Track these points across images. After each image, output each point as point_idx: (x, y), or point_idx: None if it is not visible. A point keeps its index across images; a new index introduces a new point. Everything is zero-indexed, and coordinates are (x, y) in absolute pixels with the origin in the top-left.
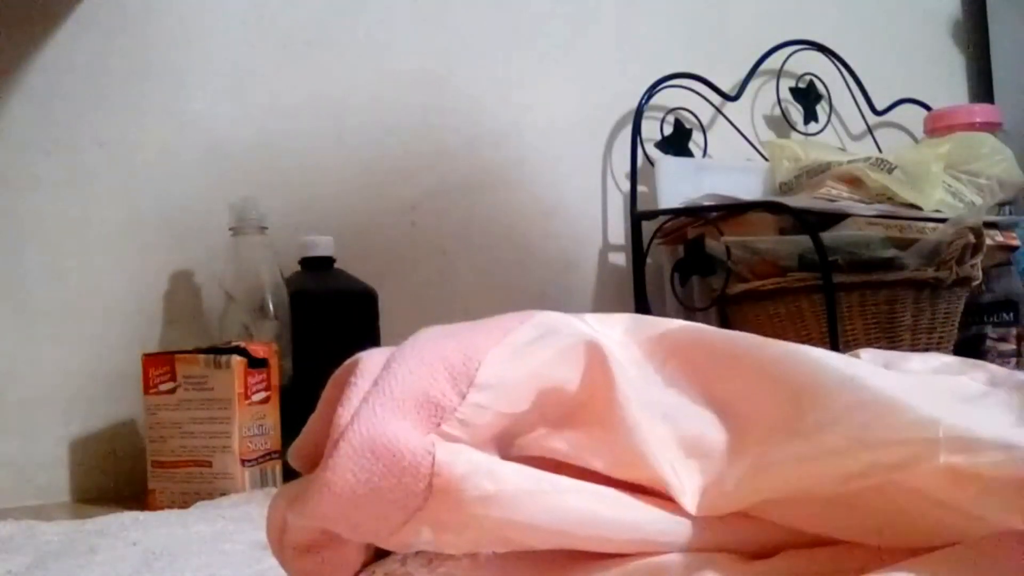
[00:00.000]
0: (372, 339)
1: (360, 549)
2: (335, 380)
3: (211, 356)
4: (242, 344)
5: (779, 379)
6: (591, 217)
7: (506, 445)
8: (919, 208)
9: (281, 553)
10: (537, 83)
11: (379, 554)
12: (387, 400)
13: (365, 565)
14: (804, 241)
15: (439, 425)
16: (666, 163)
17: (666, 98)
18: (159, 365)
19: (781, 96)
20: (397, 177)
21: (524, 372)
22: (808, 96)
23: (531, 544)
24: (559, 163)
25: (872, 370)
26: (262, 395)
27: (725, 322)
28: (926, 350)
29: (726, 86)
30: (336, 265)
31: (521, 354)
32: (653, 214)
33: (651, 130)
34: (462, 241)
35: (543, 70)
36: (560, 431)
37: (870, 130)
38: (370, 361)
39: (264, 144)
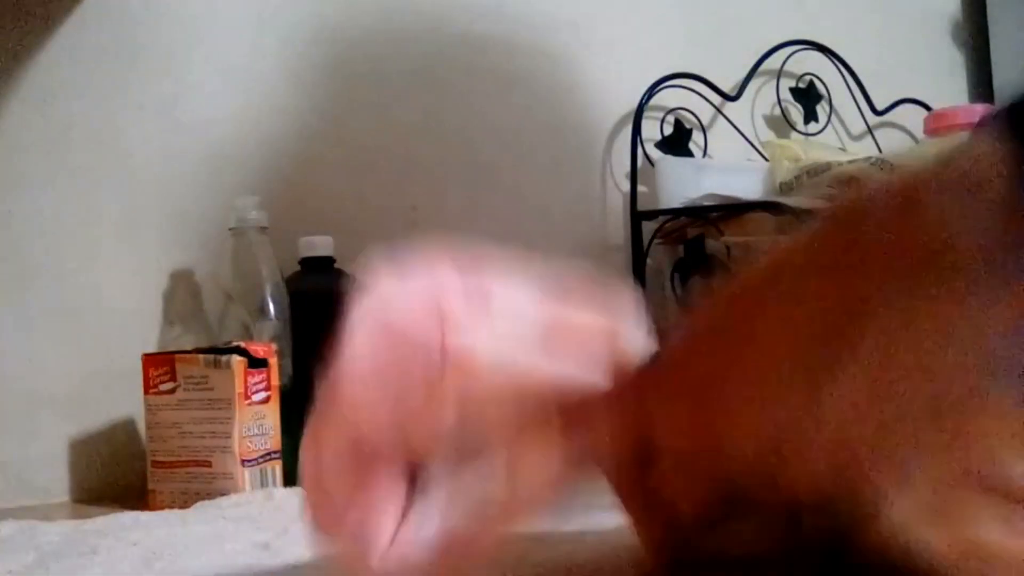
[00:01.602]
0: None
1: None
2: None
3: (211, 356)
4: (242, 344)
5: None
6: (591, 217)
7: None
8: None
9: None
10: (537, 82)
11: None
12: (399, 288)
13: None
14: None
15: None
16: (666, 163)
17: (666, 98)
18: (159, 365)
19: (781, 96)
20: (397, 177)
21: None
22: (808, 96)
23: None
24: (559, 163)
25: None
26: (262, 395)
27: None
28: None
29: (726, 86)
30: (336, 265)
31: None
32: (653, 214)
33: (651, 130)
34: (462, 241)
35: (543, 69)
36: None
37: (870, 130)
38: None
39: (264, 144)
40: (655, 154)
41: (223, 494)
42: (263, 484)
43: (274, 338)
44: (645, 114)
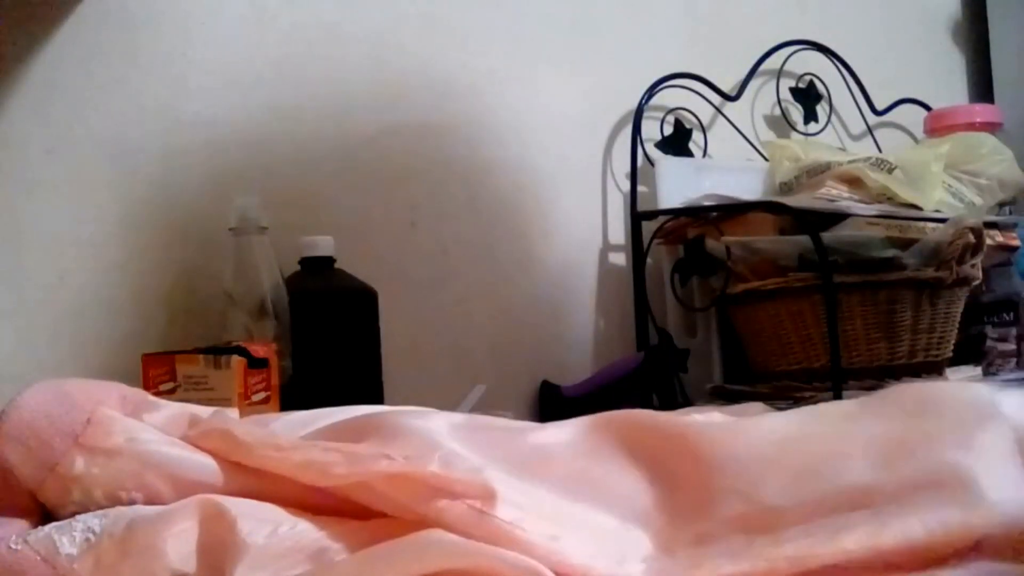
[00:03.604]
0: (372, 339)
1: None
2: None
3: (211, 356)
4: (242, 344)
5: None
6: (591, 217)
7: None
8: (919, 208)
9: None
10: (537, 83)
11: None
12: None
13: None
14: (804, 241)
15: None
16: (666, 163)
17: (666, 98)
18: (159, 365)
19: (781, 96)
20: (397, 177)
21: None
22: (808, 96)
23: (156, 487)
24: (559, 163)
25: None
26: (262, 395)
27: (725, 322)
28: (926, 350)
29: (726, 86)
30: (336, 265)
31: None
32: (653, 214)
33: (651, 130)
34: (462, 241)
35: (544, 70)
36: None
37: (870, 130)
38: None
39: (264, 144)
40: (655, 154)
41: None
42: None
43: (274, 338)
44: (645, 114)
